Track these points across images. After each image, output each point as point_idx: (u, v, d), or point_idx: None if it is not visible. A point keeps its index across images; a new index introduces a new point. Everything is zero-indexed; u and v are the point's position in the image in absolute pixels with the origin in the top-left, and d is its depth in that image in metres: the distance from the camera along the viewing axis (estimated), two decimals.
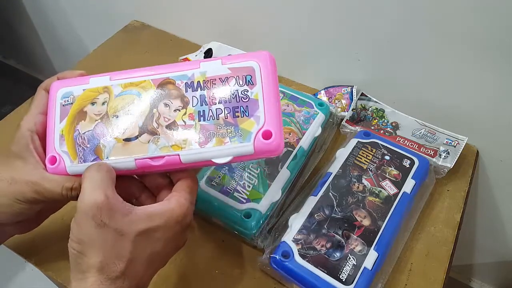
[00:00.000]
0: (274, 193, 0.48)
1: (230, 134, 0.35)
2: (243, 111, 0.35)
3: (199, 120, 0.36)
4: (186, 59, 0.69)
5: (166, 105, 0.37)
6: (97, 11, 0.90)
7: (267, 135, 0.34)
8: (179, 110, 0.36)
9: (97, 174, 0.34)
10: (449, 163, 0.54)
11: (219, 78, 0.37)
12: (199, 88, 0.37)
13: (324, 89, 0.65)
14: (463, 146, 0.56)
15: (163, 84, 0.37)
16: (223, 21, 0.71)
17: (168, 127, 0.36)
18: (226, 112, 0.36)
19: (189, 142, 0.35)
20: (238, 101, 0.36)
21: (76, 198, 0.36)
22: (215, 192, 0.48)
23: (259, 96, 0.36)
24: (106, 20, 0.90)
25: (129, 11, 0.83)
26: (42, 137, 0.38)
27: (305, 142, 0.52)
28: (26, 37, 1.21)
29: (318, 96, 0.64)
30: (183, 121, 0.36)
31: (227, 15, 0.70)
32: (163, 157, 0.35)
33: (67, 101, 0.39)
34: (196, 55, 0.70)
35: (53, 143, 0.38)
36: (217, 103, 0.36)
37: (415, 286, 0.46)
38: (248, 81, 0.36)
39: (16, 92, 1.39)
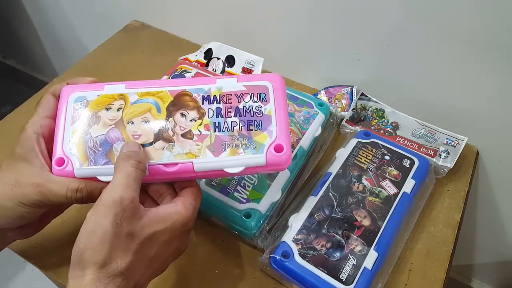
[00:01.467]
0: (274, 193, 0.48)
1: (244, 145, 0.37)
2: (257, 125, 0.37)
3: (215, 131, 0.37)
4: (186, 59, 0.69)
5: (182, 115, 0.38)
6: (97, 11, 0.91)
7: (279, 148, 0.37)
8: (195, 121, 0.38)
9: (134, 172, 0.34)
10: (449, 163, 0.54)
11: (235, 94, 0.39)
12: (215, 101, 0.39)
13: (324, 89, 0.65)
14: (463, 146, 0.56)
15: (180, 95, 0.39)
16: (223, 21, 0.71)
17: (184, 135, 0.37)
18: (240, 125, 0.37)
19: (203, 151, 0.37)
20: (252, 115, 0.38)
21: (80, 200, 0.36)
22: (215, 192, 0.47)
23: (272, 113, 0.38)
24: (106, 20, 0.90)
25: (129, 11, 0.83)
26: (48, 140, 0.38)
27: (305, 142, 0.52)
28: (26, 37, 1.21)
29: (318, 96, 0.64)
30: (199, 130, 0.37)
31: (227, 15, 0.70)
32: (176, 164, 0.36)
33: (80, 105, 0.39)
34: (196, 55, 0.70)
35: (62, 145, 0.38)
36: (232, 116, 0.38)
37: (415, 286, 0.46)
38: (262, 98, 0.39)
39: (16, 92, 1.39)
